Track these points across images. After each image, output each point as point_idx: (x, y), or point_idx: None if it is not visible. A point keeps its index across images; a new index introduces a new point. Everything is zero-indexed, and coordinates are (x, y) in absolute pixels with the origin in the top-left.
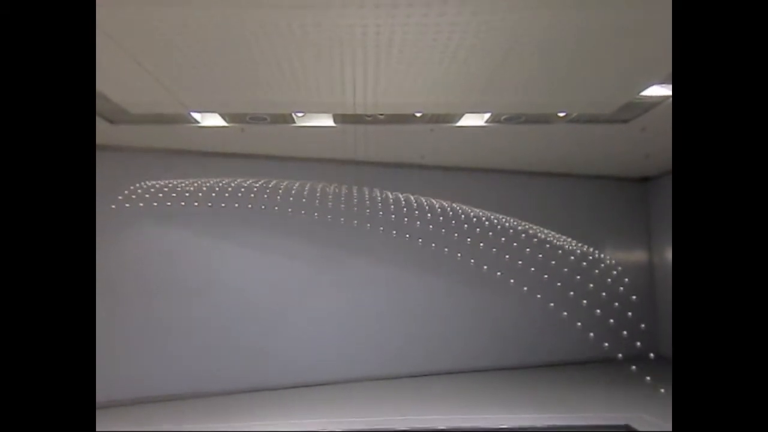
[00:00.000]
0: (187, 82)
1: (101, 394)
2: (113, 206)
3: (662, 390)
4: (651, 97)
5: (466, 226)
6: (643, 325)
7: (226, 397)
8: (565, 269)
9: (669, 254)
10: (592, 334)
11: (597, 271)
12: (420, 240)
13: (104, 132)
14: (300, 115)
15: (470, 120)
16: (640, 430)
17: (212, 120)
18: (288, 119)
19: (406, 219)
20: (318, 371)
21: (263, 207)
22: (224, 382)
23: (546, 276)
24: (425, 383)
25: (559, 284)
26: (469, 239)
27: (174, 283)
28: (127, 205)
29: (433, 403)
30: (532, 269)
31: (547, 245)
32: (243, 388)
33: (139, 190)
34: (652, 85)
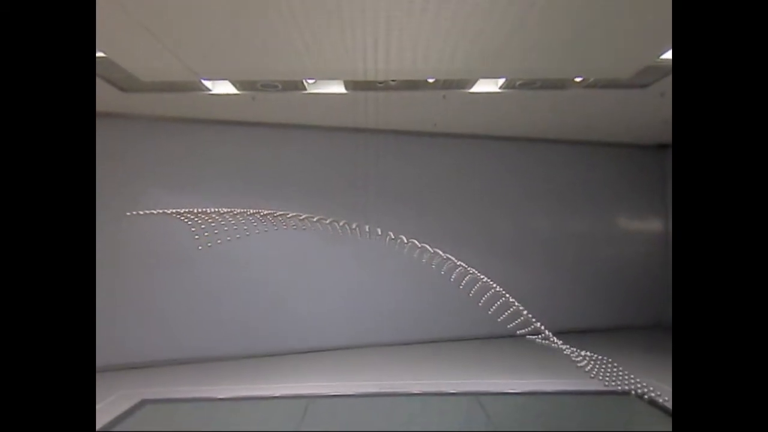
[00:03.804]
0: (198, 49)
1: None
2: (128, 213)
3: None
4: (671, 60)
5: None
6: None
7: (246, 360)
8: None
9: None
10: None
11: None
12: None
13: (115, 100)
14: (311, 82)
15: (484, 86)
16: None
17: (223, 87)
18: (299, 86)
19: None
20: (334, 337)
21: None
22: (245, 346)
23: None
24: (439, 349)
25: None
26: None
27: (192, 255)
28: (139, 214)
29: (443, 367)
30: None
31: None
32: (263, 352)
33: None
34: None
